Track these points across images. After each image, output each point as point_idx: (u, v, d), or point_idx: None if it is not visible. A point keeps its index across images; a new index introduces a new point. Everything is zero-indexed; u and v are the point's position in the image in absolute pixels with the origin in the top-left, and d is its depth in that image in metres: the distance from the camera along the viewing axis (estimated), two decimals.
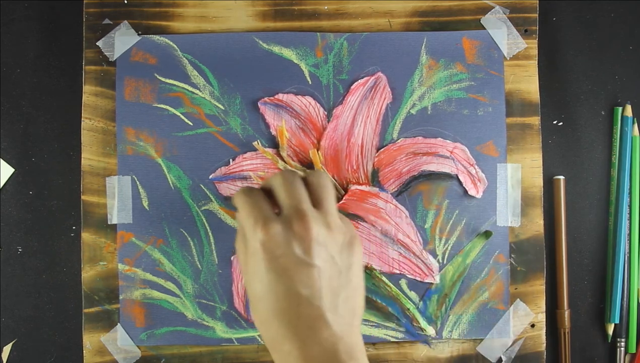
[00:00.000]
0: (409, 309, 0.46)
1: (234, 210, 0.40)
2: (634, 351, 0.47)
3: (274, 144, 0.46)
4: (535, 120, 0.47)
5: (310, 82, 0.47)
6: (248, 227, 0.33)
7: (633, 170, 0.47)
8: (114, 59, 0.47)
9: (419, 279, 0.46)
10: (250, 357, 0.46)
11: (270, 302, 0.32)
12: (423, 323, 0.46)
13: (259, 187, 0.35)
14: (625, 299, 0.47)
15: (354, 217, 0.46)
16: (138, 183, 0.46)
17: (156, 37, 0.47)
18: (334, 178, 0.46)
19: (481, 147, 0.46)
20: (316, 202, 0.34)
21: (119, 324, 0.46)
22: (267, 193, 0.34)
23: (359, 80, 0.46)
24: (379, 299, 0.46)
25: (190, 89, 0.47)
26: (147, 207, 0.46)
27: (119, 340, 0.46)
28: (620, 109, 0.48)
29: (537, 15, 0.47)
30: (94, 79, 0.47)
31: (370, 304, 0.46)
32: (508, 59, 0.47)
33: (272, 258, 0.32)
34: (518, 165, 0.46)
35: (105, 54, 0.47)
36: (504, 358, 0.46)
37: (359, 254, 0.34)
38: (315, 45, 0.47)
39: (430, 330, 0.46)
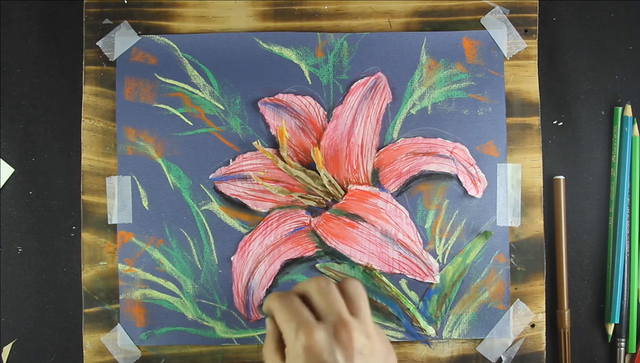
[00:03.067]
0: (409, 309, 0.46)
1: (262, 314, 0.42)
2: (634, 351, 0.47)
3: (274, 144, 0.46)
4: (535, 120, 0.47)
5: (310, 82, 0.47)
6: (289, 331, 0.32)
7: (633, 170, 0.47)
8: (114, 59, 0.47)
9: (419, 279, 0.46)
10: (250, 357, 0.46)
11: None
12: (423, 323, 0.46)
13: (293, 293, 0.34)
14: (625, 299, 0.47)
15: (354, 217, 0.46)
16: (138, 183, 0.46)
17: (156, 37, 0.47)
18: (333, 178, 0.46)
19: (481, 147, 0.46)
20: (353, 311, 0.34)
21: (119, 324, 0.46)
22: (301, 298, 0.34)
23: (359, 80, 0.46)
24: (379, 299, 0.46)
25: (190, 89, 0.47)
26: (147, 207, 0.46)
27: (119, 340, 0.46)
28: (620, 109, 0.48)
29: (537, 15, 0.47)
30: (94, 79, 0.47)
31: (370, 304, 0.46)
32: (508, 59, 0.47)
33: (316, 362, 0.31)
34: (518, 165, 0.46)
35: (105, 54, 0.47)
36: (504, 358, 0.46)
37: (382, 354, 0.34)
38: (315, 45, 0.47)
39: (430, 330, 0.46)
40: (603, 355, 0.47)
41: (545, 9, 0.48)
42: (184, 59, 0.47)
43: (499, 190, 0.46)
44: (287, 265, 0.46)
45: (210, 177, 0.46)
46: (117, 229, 0.46)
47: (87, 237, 0.46)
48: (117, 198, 0.46)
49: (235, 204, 0.46)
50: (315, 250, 0.46)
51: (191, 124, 0.46)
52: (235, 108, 0.46)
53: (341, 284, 0.35)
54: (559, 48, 0.48)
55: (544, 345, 0.46)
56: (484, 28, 0.47)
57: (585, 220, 0.48)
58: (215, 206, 0.46)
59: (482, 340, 0.46)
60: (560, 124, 0.48)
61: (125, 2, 0.47)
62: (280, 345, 0.35)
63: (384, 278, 0.46)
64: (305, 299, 0.34)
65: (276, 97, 0.46)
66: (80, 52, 0.47)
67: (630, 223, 0.47)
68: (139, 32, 0.47)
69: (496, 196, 0.46)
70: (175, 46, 0.47)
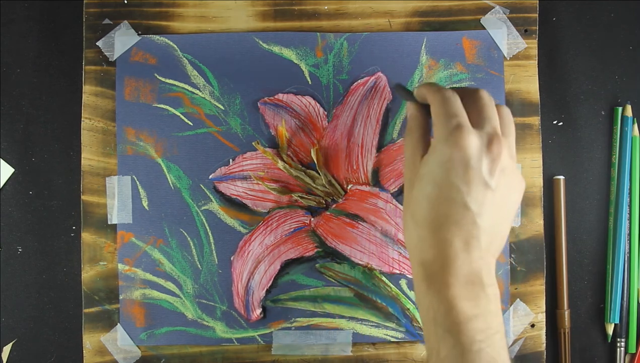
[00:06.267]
0: (409, 309, 0.46)
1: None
2: (634, 351, 0.47)
3: (274, 144, 0.46)
4: (535, 120, 0.47)
5: (310, 82, 0.47)
6: (444, 126, 0.33)
7: (633, 170, 0.47)
8: (114, 59, 0.47)
9: None
10: (250, 357, 0.46)
11: (436, 203, 0.32)
12: (420, 320, 0.46)
13: (453, 90, 0.35)
14: (625, 299, 0.47)
15: (354, 217, 0.46)
16: (138, 183, 0.46)
17: (156, 37, 0.47)
18: (333, 178, 0.46)
19: None
20: (504, 132, 0.34)
21: (119, 324, 0.46)
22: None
23: (359, 80, 0.46)
24: (379, 299, 0.46)
25: (190, 89, 0.47)
26: (147, 207, 0.46)
27: (119, 340, 0.46)
28: (620, 109, 0.48)
29: (537, 15, 0.47)
30: (94, 79, 0.47)
31: (370, 304, 0.46)
32: (508, 59, 0.47)
33: (461, 166, 0.32)
34: (518, 165, 0.46)
35: (105, 54, 0.47)
36: None
37: (520, 198, 0.35)
38: (315, 45, 0.47)
39: None
40: (603, 355, 0.47)
41: (545, 9, 0.48)
42: (184, 59, 0.47)
43: None
44: (287, 265, 0.46)
45: (210, 177, 0.46)
46: (117, 229, 0.46)
47: (87, 237, 0.46)
48: (117, 198, 0.46)
49: (235, 204, 0.46)
50: (315, 250, 0.46)
51: (191, 124, 0.46)
52: (235, 108, 0.46)
53: (496, 106, 0.35)
54: (559, 48, 0.48)
55: (544, 345, 0.46)
56: (484, 28, 0.47)
57: (585, 220, 0.48)
58: (215, 206, 0.46)
59: None
60: (560, 124, 0.48)
61: (125, 2, 0.47)
62: (424, 135, 0.36)
63: (384, 278, 0.46)
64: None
65: (276, 97, 0.46)
66: (80, 52, 0.47)
67: (630, 223, 0.47)
68: (139, 32, 0.47)
69: None
70: (175, 46, 0.47)
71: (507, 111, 0.35)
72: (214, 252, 0.46)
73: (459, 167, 0.32)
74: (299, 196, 0.46)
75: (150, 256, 0.46)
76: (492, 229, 0.33)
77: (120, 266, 0.46)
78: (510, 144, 0.34)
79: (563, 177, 0.47)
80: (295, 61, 0.47)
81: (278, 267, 0.46)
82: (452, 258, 0.32)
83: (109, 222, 0.46)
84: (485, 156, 0.32)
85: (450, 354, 0.31)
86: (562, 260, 0.47)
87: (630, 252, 0.47)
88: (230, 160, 0.46)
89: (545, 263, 0.46)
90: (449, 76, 0.47)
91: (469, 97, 0.35)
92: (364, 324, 0.46)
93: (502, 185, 0.33)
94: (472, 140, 0.32)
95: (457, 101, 0.34)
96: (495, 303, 0.32)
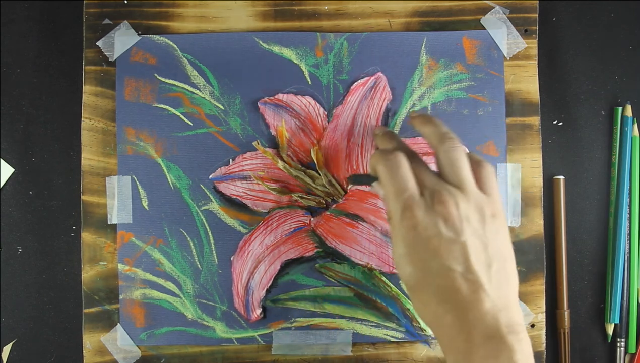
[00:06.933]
0: (409, 309, 0.46)
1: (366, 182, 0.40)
2: (634, 351, 0.47)
3: (274, 144, 0.46)
4: (535, 120, 0.47)
5: (310, 82, 0.47)
6: (396, 206, 0.33)
7: (633, 170, 0.47)
8: (114, 59, 0.47)
9: None
10: (250, 357, 0.46)
11: (426, 281, 0.33)
12: (423, 323, 0.46)
13: (402, 154, 0.35)
14: (625, 299, 0.47)
15: (354, 217, 0.46)
16: (138, 183, 0.46)
17: (156, 37, 0.47)
18: (333, 178, 0.46)
19: (481, 147, 0.46)
20: (451, 177, 0.34)
21: (119, 324, 0.46)
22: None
23: (359, 80, 0.46)
24: (379, 299, 0.46)
25: (190, 89, 0.47)
26: (147, 207, 0.46)
27: (119, 340, 0.46)
28: (620, 109, 0.48)
29: (537, 15, 0.47)
30: (94, 79, 0.47)
31: (370, 304, 0.46)
32: (508, 59, 0.47)
33: (422, 241, 0.32)
34: (518, 165, 0.46)
35: (105, 54, 0.47)
36: None
37: (504, 223, 0.35)
38: (315, 45, 0.47)
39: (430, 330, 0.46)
40: (603, 355, 0.47)
41: (545, 9, 0.48)
42: (184, 59, 0.47)
43: (499, 190, 0.46)
44: (287, 265, 0.46)
45: (210, 177, 0.46)
46: (117, 229, 0.46)
47: (87, 237, 0.46)
48: (117, 198, 0.46)
49: (235, 204, 0.46)
50: (315, 250, 0.46)
51: (191, 124, 0.46)
52: (235, 108, 0.46)
53: (436, 149, 0.36)
54: (559, 48, 0.48)
55: (544, 345, 0.46)
56: (484, 28, 0.47)
57: (585, 220, 0.48)
58: (215, 206, 0.46)
59: None
60: (560, 124, 0.48)
61: (125, 2, 0.47)
62: None
63: (384, 278, 0.46)
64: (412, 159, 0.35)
65: (276, 97, 0.46)
66: (80, 52, 0.47)
67: (630, 223, 0.47)
68: (139, 32, 0.47)
69: None
70: (175, 46, 0.47)
71: (448, 152, 0.35)
72: (214, 252, 0.46)
73: (422, 242, 0.32)
74: (299, 196, 0.46)
75: (150, 256, 0.46)
76: (493, 272, 0.32)
77: (120, 266, 0.46)
78: (463, 181, 0.34)
79: (563, 177, 0.47)
80: (295, 61, 0.47)
81: (278, 267, 0.46)
82: (464, 321, 0.32)
83: (109, 222, 0.46)
84: (438, 218, 0.33)
85: None
86: (562, 260, 0.47)
87: (630, 252, 0.47)
88: (230, 160, 0.46)
89: (545, 263, 0.46)
90: (449, 76, 0.47)
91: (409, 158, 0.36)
92: (364, 324, 0.46)
93: (471, 232, 0.33)
94: (418, 214, 0.33)
95: (402, 166, 0.34)
96: (521, 352, 0.31)
